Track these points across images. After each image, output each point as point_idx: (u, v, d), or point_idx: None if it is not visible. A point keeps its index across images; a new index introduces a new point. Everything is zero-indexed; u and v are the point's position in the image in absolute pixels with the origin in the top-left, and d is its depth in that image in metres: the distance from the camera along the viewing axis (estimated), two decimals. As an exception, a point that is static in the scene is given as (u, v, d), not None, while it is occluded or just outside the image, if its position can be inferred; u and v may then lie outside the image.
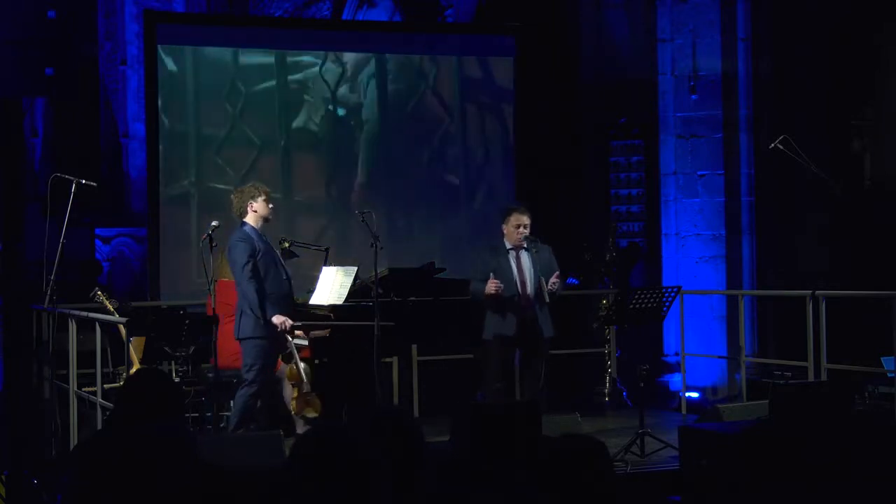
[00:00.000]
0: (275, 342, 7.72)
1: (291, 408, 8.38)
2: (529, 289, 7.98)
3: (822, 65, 10.80)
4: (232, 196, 7.90)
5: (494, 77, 11.29)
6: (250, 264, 7.54)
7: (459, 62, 11.27)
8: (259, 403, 7.82)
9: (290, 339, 8.36)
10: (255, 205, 7.69)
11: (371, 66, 11.00)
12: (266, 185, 10.26)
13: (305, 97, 10.83)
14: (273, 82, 10.74)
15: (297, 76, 10.81)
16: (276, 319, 7.57)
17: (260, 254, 7.61)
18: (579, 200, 11.85)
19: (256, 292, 7.54)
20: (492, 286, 7.86)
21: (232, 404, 7.97)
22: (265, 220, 7.75)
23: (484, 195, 11.20)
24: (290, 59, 10.80)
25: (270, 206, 7.78)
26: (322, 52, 10.92)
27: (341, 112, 10.92)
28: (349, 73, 10.95)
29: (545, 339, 7.98)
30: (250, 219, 7.69)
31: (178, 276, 10.02)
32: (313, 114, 10.85)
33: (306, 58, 10.86)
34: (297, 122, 10.81)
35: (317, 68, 10.86)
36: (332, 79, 10.91)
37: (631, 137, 11.42)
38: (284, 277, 7.78)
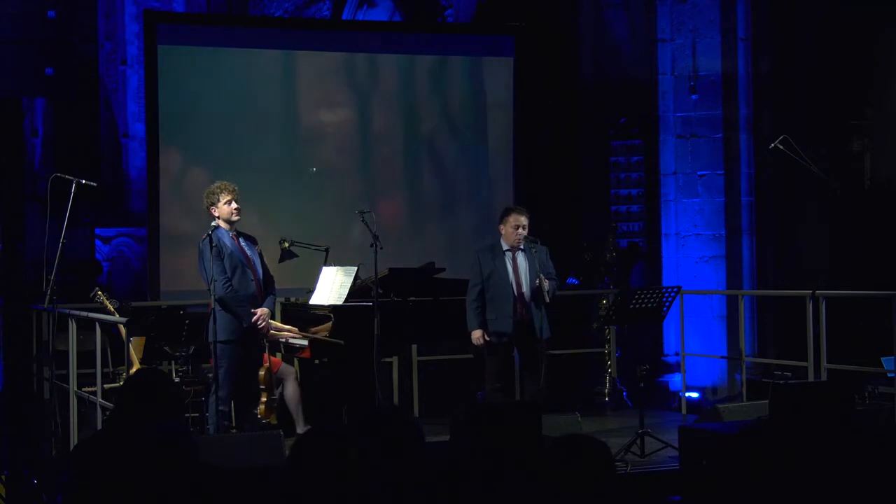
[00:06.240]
0: (244, 346, 7.65)
1: (291, 407, 8.39)
2: (525, 289, 7.98)
3: (822, 65, 10.80)
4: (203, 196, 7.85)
5: (494, 77, 11.29)
6: (218, 265, 7.46)
7: (459, 62, 11.27)
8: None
9: (284, 338, 8.37)
10: (215, 210, 7.63)
11: (371, 66, 11.00)
12: (266, 184, 10.35)
13: (305, 97, 10.82)
14: (272, 82, 10.73)
15: (297, 76, 10.81)
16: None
17: (225, 255, 7.53)
18: (579, 200, 11.85)
19: (227, 291, 7.49)
20: (478, 337, 7.96)
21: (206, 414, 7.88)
22: (229, 222, 7.63)
23: (484, 195, 11.20)
24: (289, 58, 10.79)
25: (234, 206, 7.61)
26: (322, 52, 10.92)
27: (342, 112, 10.91)
28: (349, 73, 10.95)
29: (543, 339, 7.97)
30: (218, 220, 7.65)
31: (178, 276, 10.01)
32: (313, 114, 10.84)
33: (306, 58, 10.86)
34: (297, 122, 10.81)
35: (316, 68, 10.86)
36: (332, 79, 10.90)
37: (631, 137, 11.42)
38: (252, 279, 7.66)
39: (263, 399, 8.18)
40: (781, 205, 10.83)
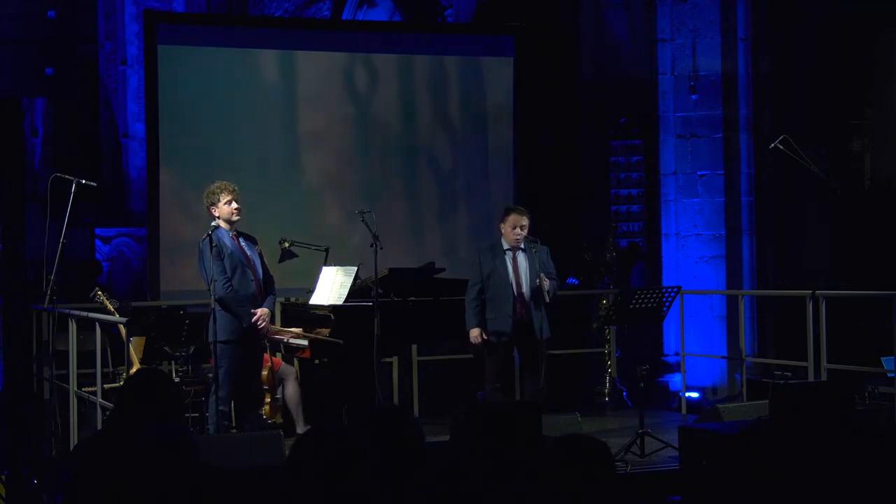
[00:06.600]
0: (244, 346, 7.63)
1: (291, 407, 8.39)
2: (525, 289, 7.97)
3: (822, 65, 10.80)
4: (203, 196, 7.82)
5: (494, 77, 11.28)
6: (218, 265, 7.46)
7: (459, 62, 11.27)
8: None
9: (285, 338, 8.37)
10: (215, 210, 7.62)
11: (371, 66, 11.00)
12: (266, 184, 10.35)
13: (305, 97, 10.81)
14: (272, 82, 10.73)
15: (297, 76, 10.80)
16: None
17: (225, 255, 7.53)
18: (579, 200, 11.85)
19: (227, 291, 7.48)
20: (475, 336, 7.96)
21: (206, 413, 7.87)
22: (229, 222, 7.62)
23: (484, 195, 11.19)
24: (289, 58, 10.79)
25: (234, 206, 7.60)
26: (322, 53, 10.92)
27: (342, 112, 10.90)
28: (349, 73, 10.95)
29: (543, 339, 7.96)
30: (218, 220, 7.63)
31: (178, 276, 10.01)
32: (313, 114, 10.84)
33: (306, 58, 10.86)
34: (297, 122, 10.81)
35: (317, 68, 10.86)
36: (333, 79, 10.90)
37: (631, 137, 11.42)
38: (252, 279, 7.65)
39: (268, 400, 8.19)
40: (781, 205, 10.83)
